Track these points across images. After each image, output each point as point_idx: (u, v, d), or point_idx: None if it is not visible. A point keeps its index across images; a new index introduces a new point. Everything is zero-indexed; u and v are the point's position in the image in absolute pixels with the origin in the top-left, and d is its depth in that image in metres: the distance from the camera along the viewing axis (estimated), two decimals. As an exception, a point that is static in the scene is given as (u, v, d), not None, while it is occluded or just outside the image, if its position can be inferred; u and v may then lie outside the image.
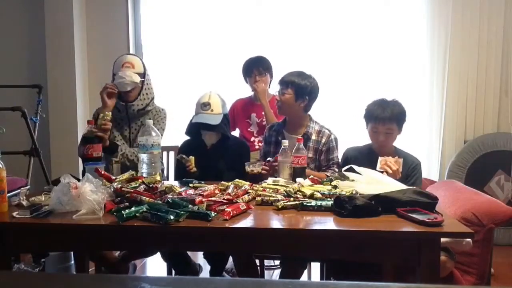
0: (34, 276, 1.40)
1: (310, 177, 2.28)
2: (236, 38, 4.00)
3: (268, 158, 2.49)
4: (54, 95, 3.97)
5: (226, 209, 1.76)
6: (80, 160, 2.83)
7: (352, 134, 3.46)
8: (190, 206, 1.79)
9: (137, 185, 2.05)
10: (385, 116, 2.39)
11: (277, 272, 3.13)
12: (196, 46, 4.07)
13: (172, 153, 3.06)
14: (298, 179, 2.18)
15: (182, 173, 2.50)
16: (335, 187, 2.07)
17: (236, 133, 3.23)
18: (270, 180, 2.28)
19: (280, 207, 1.86)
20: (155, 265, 3.38)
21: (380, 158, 2.29)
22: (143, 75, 2.63)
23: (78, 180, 1.90)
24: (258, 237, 1.76)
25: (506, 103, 3.79)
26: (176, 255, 2.57)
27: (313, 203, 1.86)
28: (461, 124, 3.81)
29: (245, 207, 1.82)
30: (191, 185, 2.17)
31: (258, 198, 1.97)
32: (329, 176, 2.35)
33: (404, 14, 3.89)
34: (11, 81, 3.88)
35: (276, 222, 1.79)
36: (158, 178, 2.14)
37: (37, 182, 3.66)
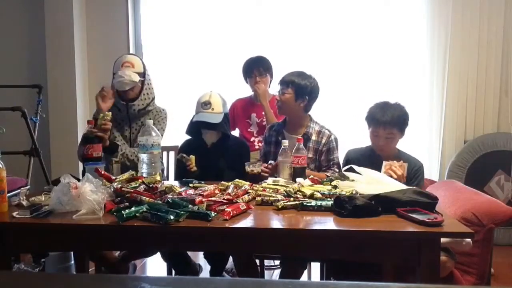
0: (34, 276, 1.40)
1: (310, 177, 2.28)
2: (236, 38, 4.00)
3: (270, 161, 2.49)
4: (54, 95, 3.97)
5: (226, 209, 1.76)
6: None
7: (352, 134, 3.46)
8: (190, 206, 1.79)
9: (137, 185, 2.05)
10: (386, 120, 2.35)
11: (277, 272, 3.13)
12: (196, 46, 4.07)
13: (172, 153, 3.06)
14: (298, 179, 2.18)
15: (182, 173, 2.51)
16: (335, 187, 2.07)
17: (236, 133, 3.23)
18: (270, 180, 2.28)
19: (280, 207, 1.86)
20: (155, 265, 3.38)
21: (384, 163, 2.25)
22: (143, 74, 2.63)
23: (78, 180, 1.90)
24: (258, 237, 1.76)
25: (506, 103, 3.79)
26: (176, 255, 2.57)
27: (313, 203, 1.86)
28: (461, 124, 3.81)
29: (245, 207, 1.82)
30: (191, 185, 2.17)
31: (258, 198, 1.97)
32: (329, 176, 2.35)
33: (404, 14, 3.89)
34: (11, 81, 3.88)
35: (276, 222, 1.79)
36: (158, 178, 2.14)
37: (37, 182, 3.66)
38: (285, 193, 1.99)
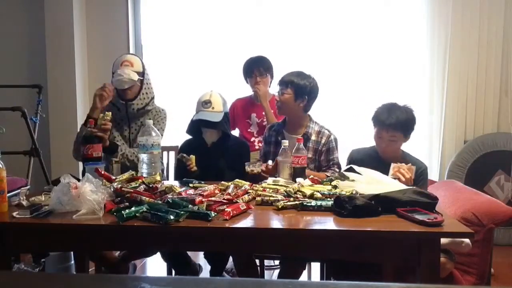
0: (34, 276, 1.40)
1: (310, 177, 2.28)
2: (236, 38, 4.00)
3: (268, 162, 2.49)
4: (54, 95, 3.97)
5: (226, 209, 1.76)
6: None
7: (352, 134, 3.47)
8: (190, 206, 1.79)
9: (137, 185, 2.05)
10: (390, 123, 2.32)
11: (277, 272, 3.13)
12: (196, 46, 4.07)
13: (172, 153, 3.06)
14: (298, 179, 2.18)
15: (182, 173, 2.50)
16: (335, 187, 2.07)
17: (236, 133, 3.23)
18: (270, 180, 2.28)
19: (280, 207, 1.85)
20: (155, 265, 3.38)
21: (393, 165, 2.21)
22: (142, 74, 2.64)
23: (78, 180, 1.90)
24: (258, 237, 1.76)
25: (506, 103, 3.80)
26: (176, 255, 2.57)
27: (313, 203, 1.86)
28: (461, 124, 3.81)
29: (245, 207, 1.82)
30: (191, 185, 2.17)
31: (258, 198, 1.97)
32: (329, 176, 2.35)
33: (404, 14, 3.89)
34: (11, 81, 3.88)
35: (276, 222, 1.79)
36: (158, 178, 2.14)
37: (37, 182, 3.66)
38: (285, 193, 1.99)
